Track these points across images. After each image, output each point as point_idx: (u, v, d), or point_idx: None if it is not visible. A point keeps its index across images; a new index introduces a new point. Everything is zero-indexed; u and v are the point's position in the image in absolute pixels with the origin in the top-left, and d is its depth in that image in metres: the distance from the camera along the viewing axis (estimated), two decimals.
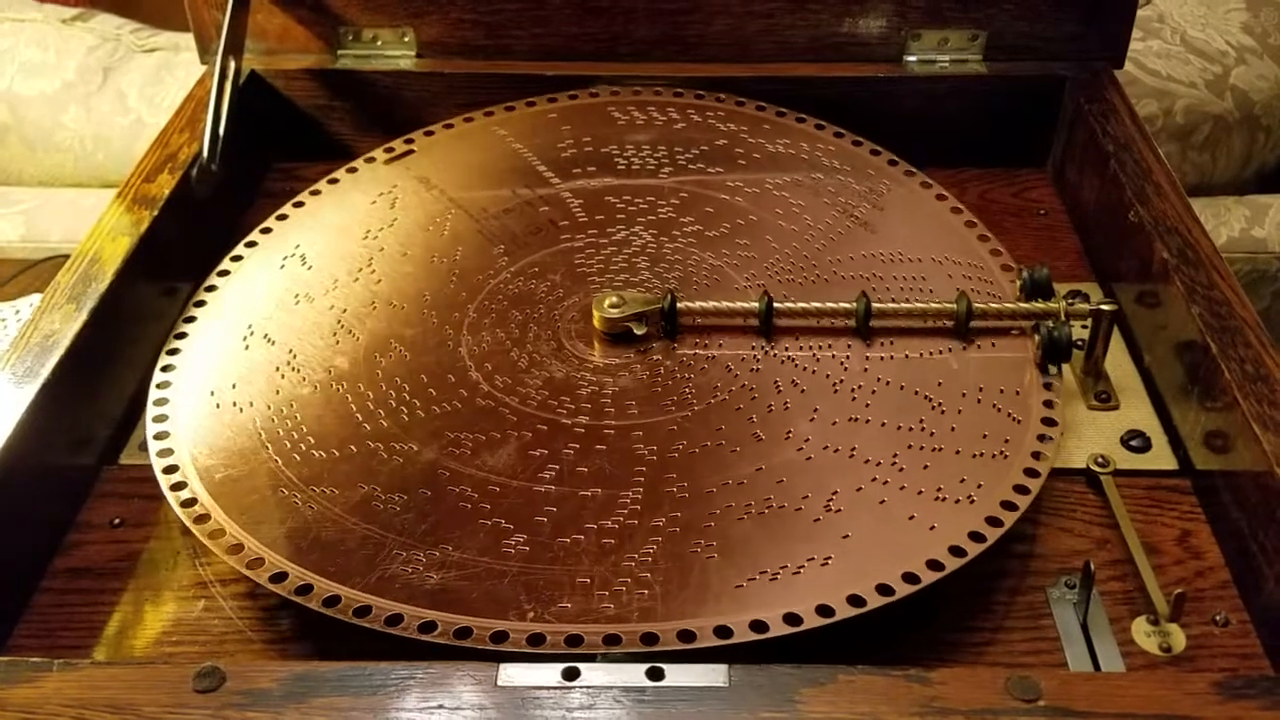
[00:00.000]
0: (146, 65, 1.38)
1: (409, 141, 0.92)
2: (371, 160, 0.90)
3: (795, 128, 0.92)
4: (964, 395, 0.70)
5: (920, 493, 0.64)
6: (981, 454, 0.66)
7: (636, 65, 0.98)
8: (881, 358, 0.73)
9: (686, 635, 0.57)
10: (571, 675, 0.52)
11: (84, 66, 1.37)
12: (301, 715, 0.50)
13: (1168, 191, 0.81)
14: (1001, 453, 0.66)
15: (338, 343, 0.75)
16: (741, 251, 0.81)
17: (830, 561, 0.60)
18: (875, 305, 0.74)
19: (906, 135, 0.93)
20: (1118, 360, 0.77)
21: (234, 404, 0.71)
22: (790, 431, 0.69)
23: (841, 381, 0.72)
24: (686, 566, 0.61)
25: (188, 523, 0.64)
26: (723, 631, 0.57)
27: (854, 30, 0.97)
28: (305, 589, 0.60)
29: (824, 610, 0.58)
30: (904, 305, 0.75)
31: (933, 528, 0.62)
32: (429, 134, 0.93)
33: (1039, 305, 0.74)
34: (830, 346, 0.74)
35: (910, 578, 0.59)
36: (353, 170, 0.90)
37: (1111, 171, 0.84)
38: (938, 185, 0.87)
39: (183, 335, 0.75)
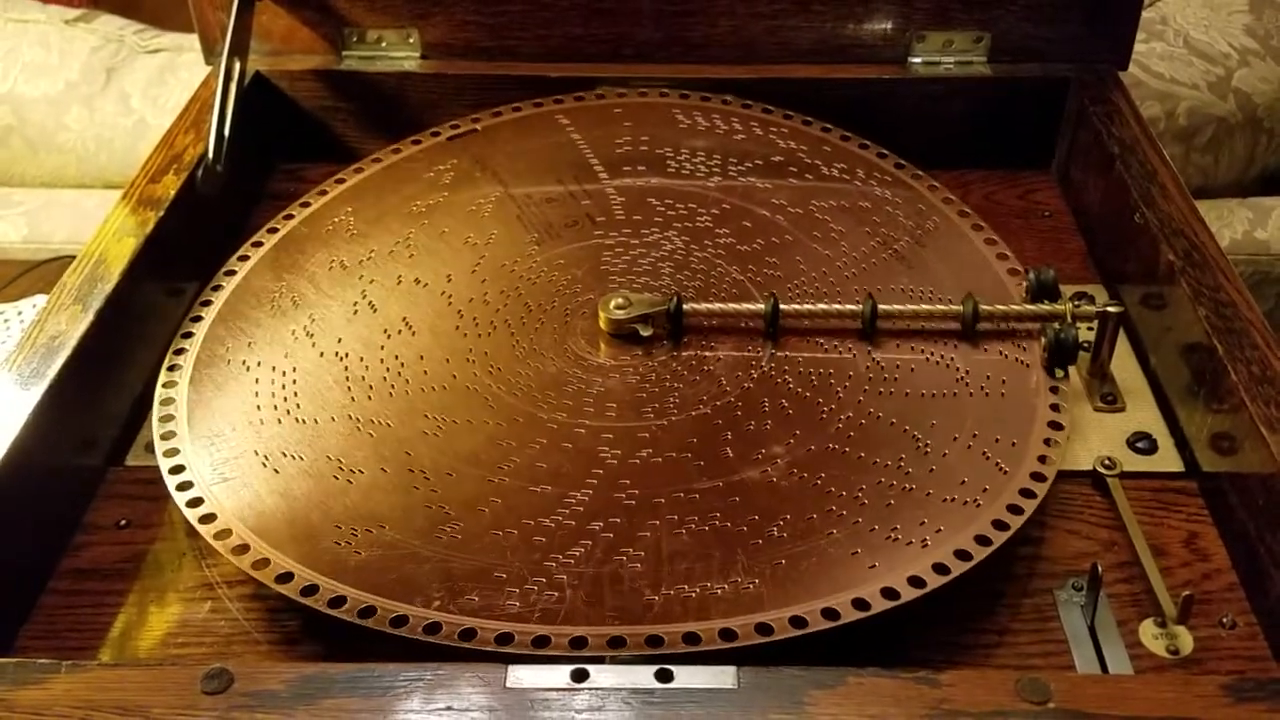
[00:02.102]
0: (150, 66, 1.38)
1: (475, 120, 0.93)
2: (436, 135, 0.92)
3: (855, 153, 0.90)
4: (955, 439, 0.68)
5: (873, 530, 0.62)
6: (952, 499, 0.64)
7: (641, 66, 0.98)
8: (881, 391, 0.71)
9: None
10: (580, 677, 0.52)
11: (87, 67, 1.37)
12: (310, 716, 0.50)
13: (1173, 193, 0.81)
14: (975, 500, 0.64)
15: (356, 313, 0.77)
16: (768, 270, 0.80)
17: (752, 586, 0.59)
18: (881, 308, 0.74)
19: (911, 137, 0.93)
20: (1123, 362, 0.77)
21: (243, 362, 0.73)
22: (762, 452, 0.67)
23: (831, 410, 0.70)
24: (604, 573, 0.60)
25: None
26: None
27: (858, 32, 0.97)
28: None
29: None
30: (910, 308, 0.75)
31: (873, 566, 0.60)
32: (496, 114, 0.94)
33: (1045, 307, 0.74)
34: (832, 372, 0.72)
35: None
36: (417, 142, 0.91)
37: (1116, 173, 0.84)
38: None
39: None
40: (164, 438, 0.68)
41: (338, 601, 0.59)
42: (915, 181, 0.87)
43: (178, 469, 0.66)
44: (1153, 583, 0.63)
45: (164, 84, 1.36)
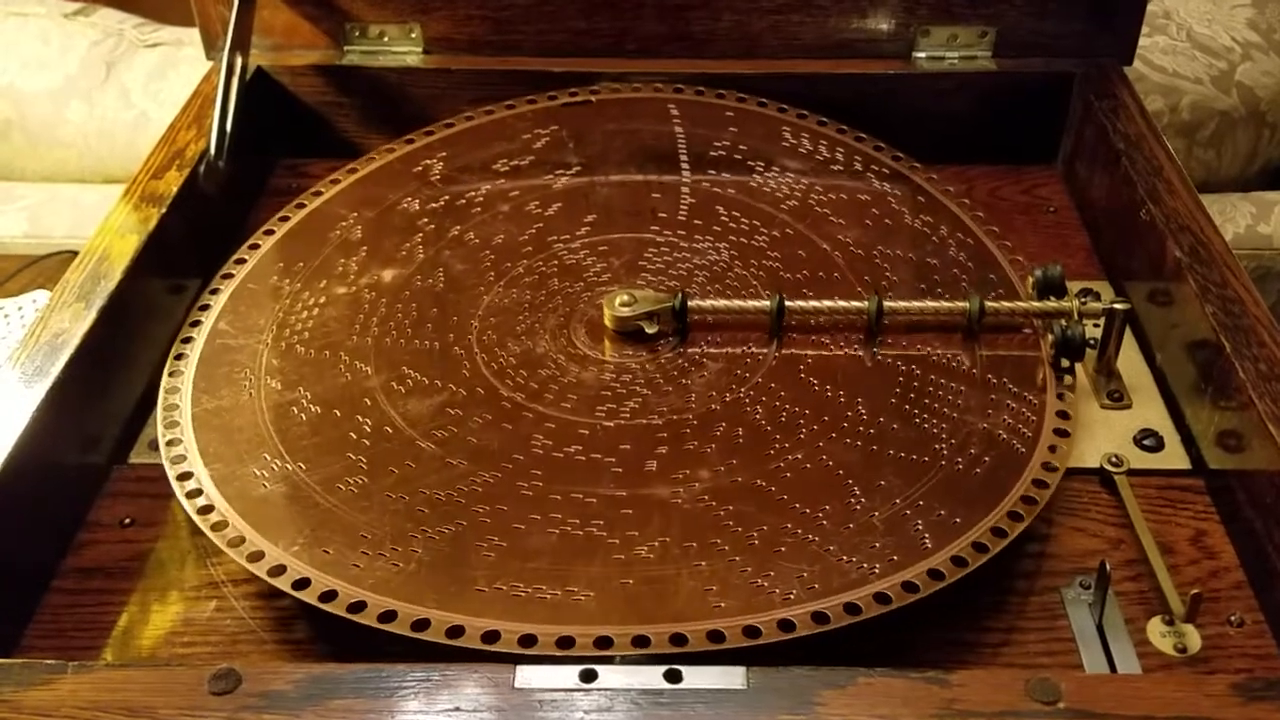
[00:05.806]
0: (150, 60, 1.38)
1: (594, 92, 0.94)
2: (554, 98, 0.93)
3: (947, 209, 0.84)
4: (894, 503, 0.63)
5: (744, 571, 0.59)
6: (849, 561, 0.59)
7: (643, 61, 0.97)
8: (848, 440, 0.67)
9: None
10: (589, 678, 0.52)
11: (87, 61, 1.37)
12: (318, 717, 0.50)
13: (1179, 189, 0.81)
14: (873, 569, 0.59)
15: (403, 255, 0.79)
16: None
17: (587, 598, 0.58)
18: (887, 304, 0.74)
19: (915, 132, 0.92)
20: (1129, 359, 0.77)
21: (275, 281, 0.77)
22: (685, 473, 0.65)
23: (783, 448, 0.66)
24: (455, 555, 0.60)
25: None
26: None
27: (863, 27, 0.97)
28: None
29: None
30: (916, 304, 0.75)
31: (718, 606, 0.57)
32: (615, 91, 0.95)
33: (1052, 304, 0.74)
34: (807, 412, 0.69)
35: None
36: (532, 102, 0.93)
37: (1122, 169, 0.84)
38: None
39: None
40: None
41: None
42: (1000, 252, 0.80)
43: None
44: (1160, 581, 0.63)
45: (164, 78, 1.36)
